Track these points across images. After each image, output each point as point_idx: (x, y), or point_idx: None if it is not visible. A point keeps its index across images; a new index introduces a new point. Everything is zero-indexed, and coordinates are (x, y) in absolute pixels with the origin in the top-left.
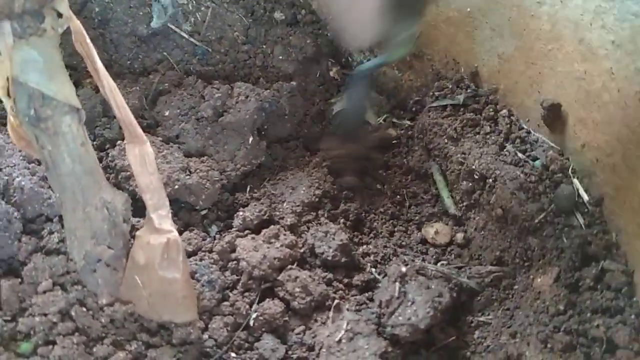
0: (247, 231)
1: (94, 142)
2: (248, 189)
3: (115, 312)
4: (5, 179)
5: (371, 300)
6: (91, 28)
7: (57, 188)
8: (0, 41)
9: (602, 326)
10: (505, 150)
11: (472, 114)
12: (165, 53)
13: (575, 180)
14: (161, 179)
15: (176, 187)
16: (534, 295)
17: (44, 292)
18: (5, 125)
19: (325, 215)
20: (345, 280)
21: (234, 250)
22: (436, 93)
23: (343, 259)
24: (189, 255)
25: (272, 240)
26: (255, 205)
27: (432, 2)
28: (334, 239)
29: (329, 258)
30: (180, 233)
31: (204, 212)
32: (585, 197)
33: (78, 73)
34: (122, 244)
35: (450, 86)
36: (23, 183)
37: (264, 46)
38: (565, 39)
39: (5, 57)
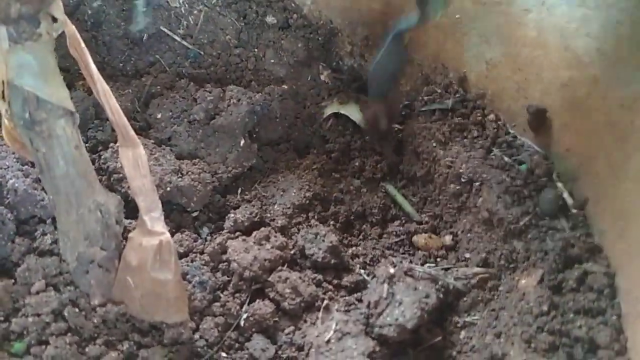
0: (238, 233)
1: (87, 144)
2: (239, 191)
3: (108, 313)
4: None
5: (360, 301)
6: (84, 30)
7: (51, 190)
8: None
9: (584, 327)
10: (492, 154)
11: (460, 118)
12: (157, 56)
13: (560, 185)
14: (153, 181)
15: (168, 189)
16: (518, 296)
17: (37, 292)
18: None
19: (316, 217)
20: (335, 282)
21: (225, 252)
22: (425, 98)
23: (333, 261)
24: (181, 256)
25: (263, 241)
26: (246, 207)
27: None
28: (323, 240)
29: (319, 259)
30: (172, 234)
31: (195, 214)
32: (569, 201)
33: (71, 75)
34: (114, 246)
35: (439, 91)
36: (17, 185)
37: (256, 50)
38: (551, 46)
39: (1, 61)
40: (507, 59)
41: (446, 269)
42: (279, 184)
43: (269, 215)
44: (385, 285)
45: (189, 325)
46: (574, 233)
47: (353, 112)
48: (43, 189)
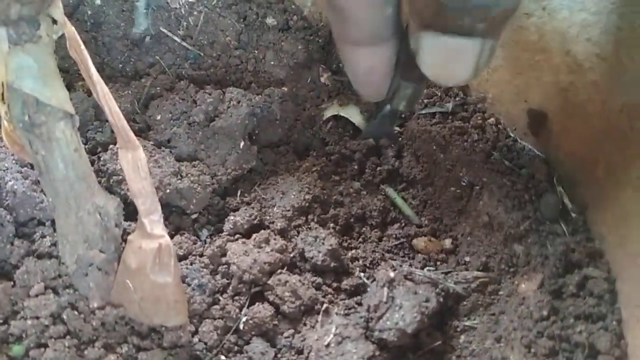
0: (237, 235)
1: (86, 146)
2: (239, 193)
3: (107, 316)
4: None
5: (360, 304)
6: (83, 31)
7: (50, 192)
8: None
9: (585, 332)
10: (492, 158)
11: (460, 122)
12: (157, 57)
13: (560, 189)
14: (153, 183)
15: (167, 191)
16: (518, 300)
17: (36, 295)
18: None
19: (315, 220)
20: (335, 285)
21: (224, 255)
22: (425, 101)
23: (332, 264)
24: (180, 259)
25: (263, 244)
26: (245, 209)
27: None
28: (323, 243)
29: (319, 263)
30: (171, 237)
31: (194, 216)
32: (570, 206)
33: (70, 76)
34: (113, 248)
35: (439, 94)
36: (16, 187)
37: (256, 51)
38: (552, 51)
39: (0, 63)
40: (508, 63)
41: (446, 273)
42: (279, 187)
43: (268, 217)
44: (385, 289)
45: (188, 328)
46: (574, 238)
47: (353, 115)
48: (42, 191)
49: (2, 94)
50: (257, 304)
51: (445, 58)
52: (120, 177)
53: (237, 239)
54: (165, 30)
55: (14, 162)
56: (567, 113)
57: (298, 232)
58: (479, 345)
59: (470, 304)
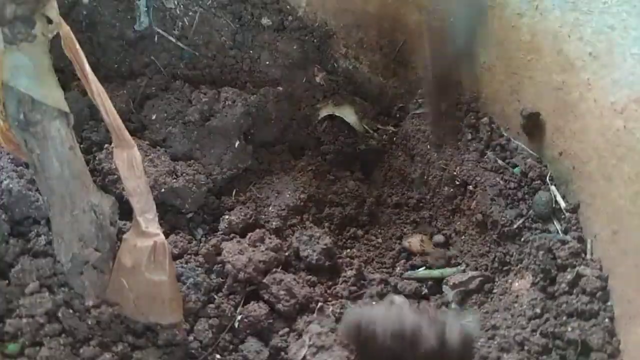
0: (232, 234)
1: (81, 145)
2: (234, 192)
3: (102, 314)
4: None
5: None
6: (79, 31)
7: (45, 191)
8: None
9: (577, 329)
10: (485, 157)
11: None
12: (152, 57)
13: (553, 187)
14: (148, 182)
15: (163, 190)
16: (512, 298)
17: (31, 293)
18: None
19: (310, 219)
20: (329, 283)
21: (219, 253)
22: (419, 100)
23: (327, 263)
24: (175, 258)
25: (258, 243)
26: (241, 208)
27: None
28: (318, 242)
29: (313, 261)
30: (167, 236)
31: (190, 216)
32: (562, 204)
33: (65, 76)
34: (109, 247)
35: None
36: (11, 186)
37: (251, 51)
38: (545, 50)
39: None
40: (501, 63)
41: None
42: (274, 186)
43: (263, 217)
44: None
45: (183, 326)
46: (567, 236)
47: (348, 114)
48: (37, 190)
49: None
50: (252, 302)
51: None
52: (116, 176)
53: (232, 238)
54: (160, 30)
55: (9, 161)
56: (560, 112)
57: (293, 231)
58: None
59: (464, 302)
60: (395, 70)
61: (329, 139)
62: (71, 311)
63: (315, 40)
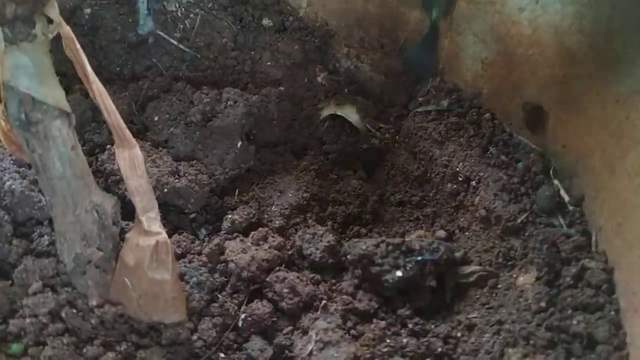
0: (235, 234)
1: (84, 147)
2: (236, 192)
3: (105, 314)
4: None
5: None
6: (81, 35)
7: (48, 191)
8: None
9: (583, 322)
10: (488, 152)
11: (456, 117)
12: (154, 59)
13: (556, 182)
14: (150, 182)
15: (165, 190)
16: (516, 293)
17: (35, 293)
18: None
19: (313, 217)
20: (333, 281)
21: (222, 253)
22: (420, 99)
23: (330, 261)
24: (178, 257)
25: (261, 242)
26: (243, 208)
27: None
28: (321, 240)
29: (317, 259)
30: (170, 236)
31: (192, 216)
32: (566, 198)
33: (68, 79)
34: (111, 246)
35: (434, 92)
36: (13, 186)
37: (253, 52)
38: (546, 44)
39: None
40: (503, 58)
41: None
42: (277, 185)
43: (266, 216)
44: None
45: (187, 325)
46: (571, 229)
47: (350, 114)
48: (40, 190)
49: None
50: (255, 301)
51: None
52: (118, 177)
53: (235, 237)
54: (162, 33)
55: (11, 162)
56: (562, 105)
57: (296, 230)
58: (478, 339)
59: (469, 297)
60: (396, 68)
61: (331, 138)
62: (74, 311)
63: (316, 40)
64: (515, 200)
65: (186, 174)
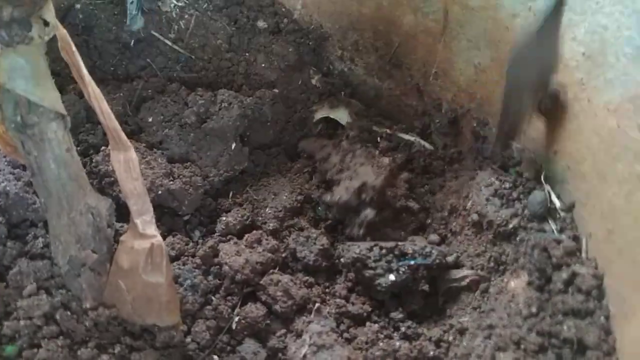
0: (229, 236)
1: (78, 148)
2: (231, 194)
3: (99, 316)
4: None
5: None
6: (75, 34)
7: (43, 193)
8: None
9: (573, 328)
10: (481, 157)
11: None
12: (148, 60)
13: (548, 187)
14: (145, 184)
15: (159, 192)
16: (507, 297)
17: (29, 296)
18: None
19: (307, 220)
20: (326, 284)
21: (216, 255)
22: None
23: (324, 263)
24: (172, 259)
25: (255, 245)
26: (237, 210)
27: None
28: (315, 243)
29: (310, 262)
30: (164, 238)
31: (187, 218)
32: (557, 204)
33: (62, 79)
34: (106, 249)
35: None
36: (8, 188)
37: (247, 54)
38: None
39: None
40: (496, 63)
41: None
42: (271, 188)
43: (260, 218)
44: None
45: (181, 328)
46: (562, 235)
47: (343, 117)
48: (35, 192)
49: None
50: (249, 303)
51: None
52: (113, 178)
53: (229, 240)
54: (156, 34)
55: (6, 163)
56: (554, 112)
57: (290, 233)
58: (469, 343)
59: (460, 302)
60: (390, 72)
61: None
62: (69, 313)
63: (310, 43)
64: (507, 206)
65: (180, 176)
